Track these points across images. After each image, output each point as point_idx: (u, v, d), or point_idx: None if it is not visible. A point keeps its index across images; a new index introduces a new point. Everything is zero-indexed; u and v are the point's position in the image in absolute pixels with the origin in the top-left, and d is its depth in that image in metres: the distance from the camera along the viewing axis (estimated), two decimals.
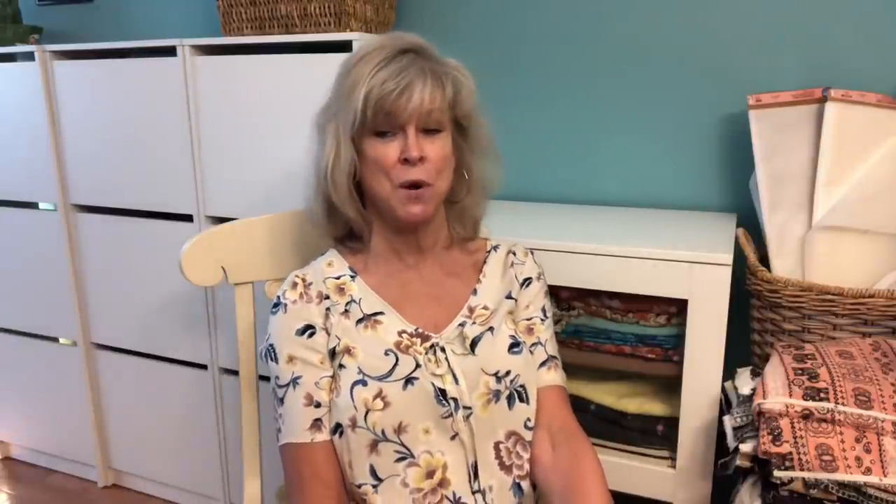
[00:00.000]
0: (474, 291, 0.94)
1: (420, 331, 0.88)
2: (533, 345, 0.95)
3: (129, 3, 1.98)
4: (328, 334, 0.86)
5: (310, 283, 0.89)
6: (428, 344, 0.86)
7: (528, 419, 0.89)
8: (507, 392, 0.87)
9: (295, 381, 0.85)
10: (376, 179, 0.85)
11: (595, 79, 1.50)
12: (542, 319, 0.98)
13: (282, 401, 0.86)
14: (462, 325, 0.89)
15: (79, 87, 1.63)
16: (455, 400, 0.83)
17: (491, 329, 0.89)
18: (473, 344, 0.88)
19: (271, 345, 0.87)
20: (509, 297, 0.95)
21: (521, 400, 0.88)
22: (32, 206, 1.84)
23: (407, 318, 0.88)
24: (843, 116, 1.11)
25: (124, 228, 1.68)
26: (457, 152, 0.90)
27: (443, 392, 0.83)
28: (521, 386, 0.89)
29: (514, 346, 0.90)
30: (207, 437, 1.73)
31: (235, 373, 1.62)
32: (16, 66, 1.71)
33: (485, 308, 0.92)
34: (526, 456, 0.88)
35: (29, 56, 1.67)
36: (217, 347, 1.64)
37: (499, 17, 1.56)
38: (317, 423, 0.84)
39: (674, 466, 1.14)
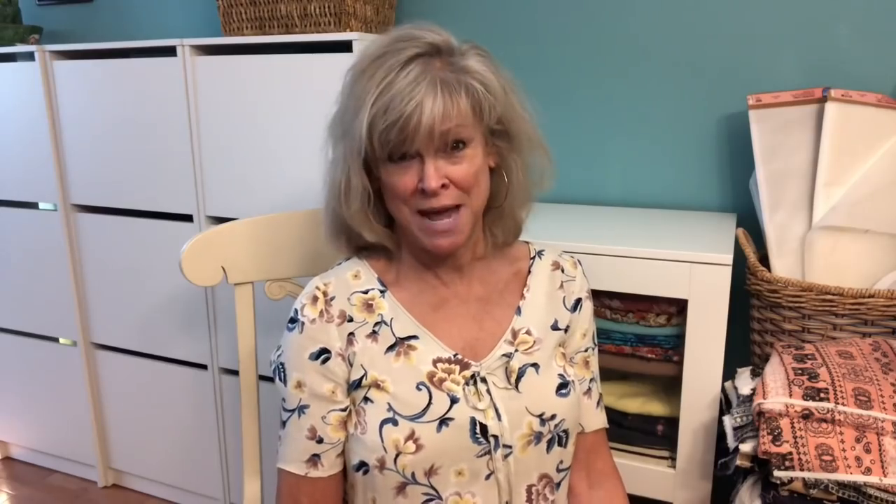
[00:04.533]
0: (518, 311, 0.85)
1: (459, 357, 0.79)
2: (591, 381, 0.91)
3: (129, 3, 1.98)
4: (349, 364, 0.79)
5: (332, 298, 0.80)
6: (468, 373, 0.79)
7: (562, 462, 0.84)
8: (550, 436, 0.80)
9: (301, 409, 0.79)
10: (396, 206, 0.77)
11: (595, 79, 1.50)
12: (594, 348, 0.92)
13: (284, 424, 0.81)
14: (507, 356, 0.81)
15: (79, 87, 1.63)
16: (496, 437, 0.76)
17: (536, 365, 0.82)
18: (517, 378, 0.80)
19: (282, 363, 0.81)
20: (556, 327, 0.86)
21: (560, 444, 0.82)
22: (32, 206, 1.84)
23: (444, 342, 0.80)
24: (843, 116, 1.11)
25: (124, 228, 1.68)
26: (495, 154, 0.81)
27: (483, 428, 0.76)
28: (565, 431, 0.82)
29: (563, 386, 0.82)
30: (207, 437, 1.72)
31: (235, 373, 1.62)
32: (16, 66, 1.71)
33: (528, 333, 0.84)
34: (552, 498, 0.83)
35: (29, 56, 1.67)
36: (217, 347, 1.64)
37: (499, 18, 1.56)
38: (314, 459, 0.79)
39: (674, 466, 1.14)
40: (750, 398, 0.98)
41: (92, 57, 1.62)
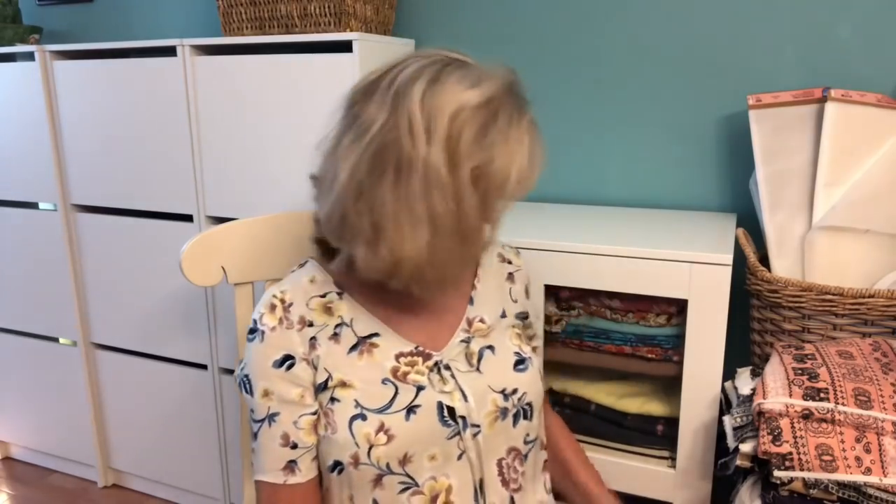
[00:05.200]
0: (470, 301, 0.89)
1: (420, 349, 0.83)
2: (534, 348, 0.95)
3: (129, 3, 1.98)
4: (314, 368, 0.79)
5: (290, 305, 0.81)
6: (431, 362, 0.82)
7: (528, 434, 0.87)
8: (515, 410, 0.84)
9: (271, 418, 0.79)
10: None
11: (595, 79, 1.50)
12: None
13: (255, 435, 0.81)
14: (465, 341, 0.85)
15: (79, 87, 1.64)
16: (463, 419, 0.80)
17: (491, 347, 0.86)
18: (478, 360, 0.85)
19: (246, 375, 0.80)
20: (504, 315, 0.91)
21: (525, 417, 0.86)
22: (32, 206, 1.84)
23: (404, 337, 0.83)
24: (843, 116, 1.11)
25: (124, 228, 1.68)
26: None
27: (451, 410, 0.79)
28: (528, 404, 0.86)
29: (520, 362, 0.87)
30: (207, 437, 1.73)
31: None
32: (16, 66, 1.71)
33: (481, 321, 0.88)
34: (521, 469, 0.86)
35: (29, 56, 1.67)
36: (217, 347, 1.64)
37: (498, 17, 1.56)
38: (290, 465, 0.79)
39: (674, 466, 1.14)
40: (750, 398, 0.98)
41: (92, 57, 1.62)
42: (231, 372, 1.65)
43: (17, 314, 1.92)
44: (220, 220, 1.52)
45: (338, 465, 0.78)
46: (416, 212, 0.72)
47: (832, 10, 1.29)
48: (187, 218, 1.60)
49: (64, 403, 1.92)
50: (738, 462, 0.92)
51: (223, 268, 1.05)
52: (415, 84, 0.72)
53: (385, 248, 0.74)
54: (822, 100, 1.12)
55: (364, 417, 0.77)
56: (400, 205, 0.72)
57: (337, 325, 0.82)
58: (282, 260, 1.09)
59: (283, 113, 1.41)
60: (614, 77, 1.48)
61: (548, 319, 1.24)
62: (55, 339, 1.90)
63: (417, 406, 0.78)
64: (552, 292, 1.23)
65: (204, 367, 1.68)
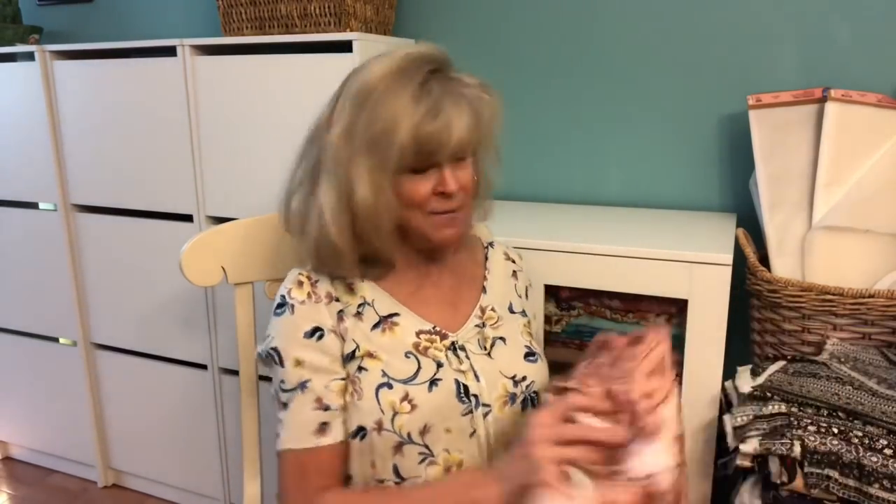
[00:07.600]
0: (483, 290, 0.94)
1: (438, 329, 0.87)
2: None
3: (129, 3, 1.98)
4: (342, 339, 0.83)
5: (316, 281, 0.84)
6: (448, 342, 0.86)
7: None
8: (522, 397, 0.88)
9: (303, 385, 0.81)
10: (409, 212, 0.82)
11: (595, 79, 1.50)
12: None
13: (285, 405, 0.82)
14: (479, 326, 0.90)
15: (79, 87, 1.63)
16: (476, 397, 0.83)
17: (503, 339, 0.90)
18: (490, 347, 0.89)
19: (274, 348, 0.82)
20: (512, 310, 0.95)
21: (534, 405, 0.89)
22: (32, 206, 1.84)
23: (423, 318, 0.87)
24: (843, 116, 1.11)
25: (124, 228, 1.68)
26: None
27: (465, 389, 0.83)
28: (535, 392, 0.90)
29: (530, 355, 0.91)
30: (207, 437, 1.73)
31: (235, 373, 1.62)
32: (16, 66, 1.71)
33: (493, 311, 0.92)
34: None
35: (29, 56, 1.67)
36: (217, 347, 1.64)
37: (498, 17, 1.56)
38: (323, 427, 0.81)
39: None
40: (750, 397, 0.98)
41: (92, 57, 1.62)
42: (231, 372, 1.65)
43: (17, 314, 1.92)
44: (220, 220, 1.52)
45: (360, 431, 0.81)
46: (333, 198, 0.81)
47: (832, 10, 1.29)
48: (187, 218, 1.59)
49: (64, 403, 1.92)
50: (738, 462, 0.92)
51: (223, 268, 1.05)
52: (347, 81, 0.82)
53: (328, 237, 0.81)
54: (822, 100, 1.12)
55: (390, 386, 0.80)
56: (327, 196, 0.81)
57: (360, 305, 0.85)
58: (282, 260, 1.09)
59: (283, 113, 1.41)
60: (614, 77, 1.48)
61: (548, 319, 1.24)
62: (55, 339, 1.90)
63: (439, 380, 0.82)
64: (552, 292, 1.23)
65: (204, 367, 1.68)
